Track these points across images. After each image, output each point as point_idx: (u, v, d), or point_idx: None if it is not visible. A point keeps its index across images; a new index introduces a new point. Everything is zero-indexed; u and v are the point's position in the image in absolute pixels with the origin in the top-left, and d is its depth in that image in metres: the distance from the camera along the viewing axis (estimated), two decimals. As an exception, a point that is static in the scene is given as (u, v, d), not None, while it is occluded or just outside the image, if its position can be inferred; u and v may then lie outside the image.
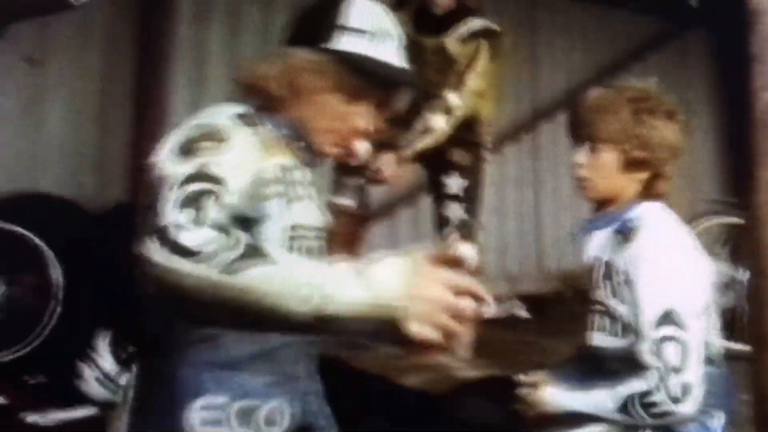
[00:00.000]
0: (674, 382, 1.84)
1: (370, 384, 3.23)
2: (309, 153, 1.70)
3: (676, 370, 1.84)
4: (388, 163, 3.53)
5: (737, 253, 4.33)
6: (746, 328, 2.90)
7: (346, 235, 3.70)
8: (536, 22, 6.20)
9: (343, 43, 1.67)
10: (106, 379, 3.07)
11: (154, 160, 1.51)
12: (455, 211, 3.82)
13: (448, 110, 3.55)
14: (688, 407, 1.85)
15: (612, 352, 1.99)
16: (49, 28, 4.30)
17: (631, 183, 2.02)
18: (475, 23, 3.71)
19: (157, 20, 4.64)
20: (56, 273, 3.77)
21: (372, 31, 1.69)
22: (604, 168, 2.00)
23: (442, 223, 3.87)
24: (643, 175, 2.02)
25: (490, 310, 4.37)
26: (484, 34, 3.70)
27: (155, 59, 4.61)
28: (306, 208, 1.66)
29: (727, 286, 4.11)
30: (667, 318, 1.86)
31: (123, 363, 3.09)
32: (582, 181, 2.05)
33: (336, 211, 3.41)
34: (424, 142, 3.61)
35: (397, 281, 1.27)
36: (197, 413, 1.55)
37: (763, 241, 2.17)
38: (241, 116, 1.61)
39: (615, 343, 1.97)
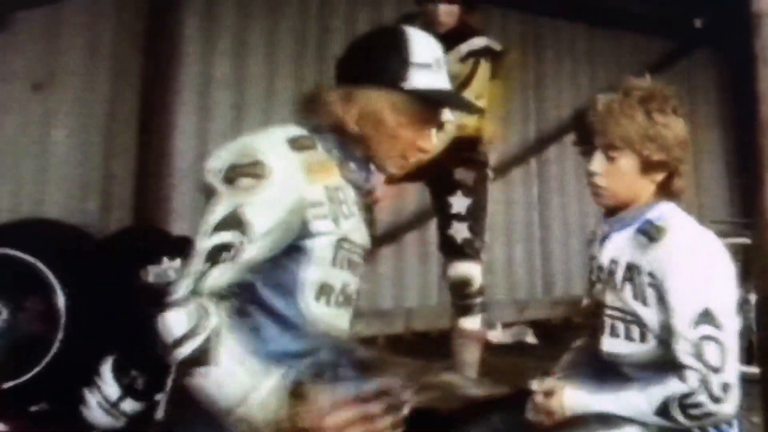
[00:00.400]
0: (716, 382, 1.82)
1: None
2: (359, 174, 1.81)
3: (716, 370, 1.82)
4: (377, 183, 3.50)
5: (746, 274, 4.28)
6: (755, 349, 2.86)
7: None
8: (541, 44, 6.22)
9: (417, 80, 1.77)
10: (110, 405, 3.05)
11: (206, 166, 1.70)
12: (459, 231, 3.78)
13: (439, 126, 3.53)
14: (729, 407, 1.83)
15: (628, 358, 1.96)
16: (57, 51, 4.33)
17: (649, 185, 1.99)
18: (476, 42, 3.69)
19: (163, 46, 4.67)
20: (60, 299, 3.73)
21: (433, 63, 1.81)
22: (623, 174, 1.97)
23: (446, 243, 3.83)
24: (660, 176, 1.99)
25: (498, 335, 4.27)
26: (485, 53, 3.67)
27: (161, 85, 4.64)
28: (353, 225, 1.76)
29: (737, 307, 4.05)
30: (705, 317, 1.84)
31: (127, 389, 3.09)
32: (599, 189, 2.01)
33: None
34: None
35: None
36: None
37: None
38: (295, 140, 1.72)
39: (632, 349, 1.95)
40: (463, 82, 3.60)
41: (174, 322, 1.58)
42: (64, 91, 4.35)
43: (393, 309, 5.34)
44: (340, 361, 1.78)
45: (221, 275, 1.61)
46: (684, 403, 1.83)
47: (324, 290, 1.74)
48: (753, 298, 4.00)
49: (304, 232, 1.68)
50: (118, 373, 3.14)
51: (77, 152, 4.38)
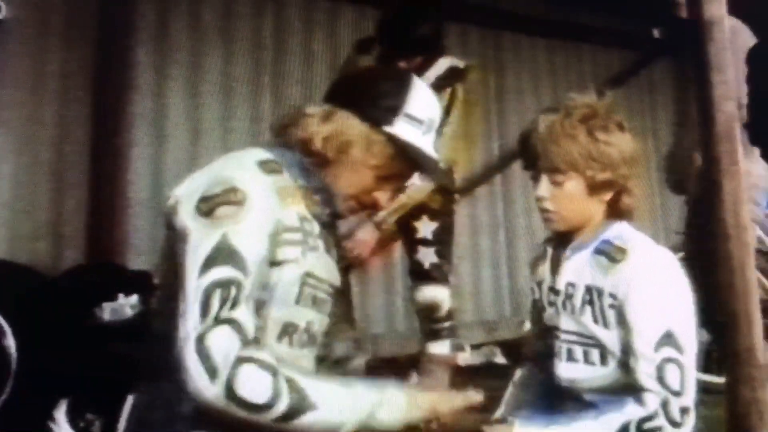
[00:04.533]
0: (675, 406, 1.79)
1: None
2: (323, 208, 1.76)
3: (677, 394, 1.80)
4: (370, 234, 3.44)
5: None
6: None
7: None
8: (502, 60, 6.20)
9: (403, 130, 1.74)
10: (64, 450, 2.94)
11: (171, 202, 1.63)
12: (426, 256, 3.70)
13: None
14: (686, 431, 1.80)
15: (587, 383, 1.90)
16: (1, 84, 4.19)
17: (598, 205, 1.94)
18: (442, 64, 3.63)
19: (114, 76, 4.53)
20: (11, 342, 3.62)
21: (426, 122, 1.77)
22: (571, 197, 1.91)
23: (414, 268, 3.76)
24: (608, 195, 1.94)
25: (467, 357, 4.19)
26: (454, 75, 3.61)
27: (113, 116, 4.51)
28: (318, 259, 1.71)
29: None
30: (667, 340, 1.81)
31: (81, 432, 2.97)
32: (549, 214, 1.95)
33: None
34: (401, 204, 3.50)
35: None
36: None
37: (729, 253, 2.10)
38: (264, 163, 1.67)
39: (592, 373, 1.89)
40: (444, 113, 3.54)
41: (253, 384, 1.52)
42: (9, 125, 4.20)
43: (360, 334, 5.25)
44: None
45: (251, 314, 1.57)
46: (643, 427, 1.79)
47: (287, 330, 1.68)
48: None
49: (278, 256, 1.62)
50: (74, 416, 3.03)
51: (25, 189, 4.23)
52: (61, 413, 2.98)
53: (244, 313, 1.54)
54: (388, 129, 1.73)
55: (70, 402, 2.99)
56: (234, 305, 1.53)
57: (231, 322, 1.52)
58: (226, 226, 1.57)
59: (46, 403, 3.01)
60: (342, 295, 3.80)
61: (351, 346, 3.79)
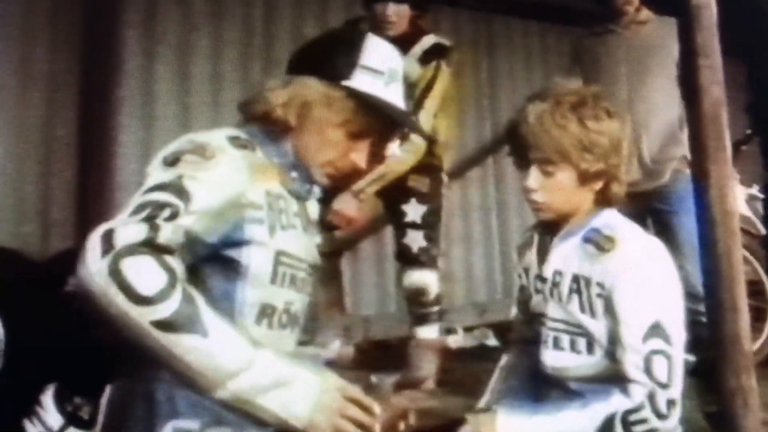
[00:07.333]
0: (662, 398, 1.79)
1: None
2: (300, 184, 1.73)
3: (664, 386, 1.79)
4: (347, 204, 3.42)
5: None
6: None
7: (326, 274, 3.59)
8: (494, 42, 6.14)
9: (361, 82, 1.71)
10: (51, 435, 2.92)
11: (147, 170, 1.60)
12: (415, 240, 3.69)
13: (404, 137, 3.43)
14: (671, 423, 1.81)
15: (573, 371, 1.90)
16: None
17: (588, 194, 1.93)
18: (427, 40, 3.62)
19: (101, 59, 4.48)
20: (-1, 327, 3.60)
21: (386, 72, 1.74)
22: (561, 188, 1.90)
23: (402, 252, 3.75)
24: (599, 184, 1.93)
25: (459, 340, 4.21)
26: (438, 51, 3.60)
27: (101, 100, 4.46)
28: (293, 238, 1.67)
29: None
30: (655, 331, 1.80)
31: (70, 417, 2.96)
32: (538, 204, 1.93)
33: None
34: (380, 174, 3.48)
35: (307, 408, 1.50)
36: None
37: (715, 239, 2.09)
38: (234, 138, 1.64)
39: (578, 362, 1.89)
40: (426, 86, 3.54)
41: (142, 271, 1.40)
42: (-6, 107, 4.15)
43: (351, 317, 5.24)
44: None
45: (173, 233, 1.47)
46: (628, 419, 1.78)
47: (265, 312, 1.63)
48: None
49: (236, 236, 1.57)
50: (61, 400, 3.02)
51: (12, 172, 4.18)
52: (48, 398, 2.97)
53: (167, 230, 1.46)
54: (346, 83, 1.70)
55: (57, 386, 2.98)
56: (161, 219, 1.47)
57: (151, 225, 1.45)
58: (184, 170, 1.53)
59: (35, 387, 3.01)
60: (332, 281, 3.82)
61: (339, 332, 3.80)
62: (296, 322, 1.73)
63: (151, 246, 1.43)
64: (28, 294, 3.59)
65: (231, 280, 1.59)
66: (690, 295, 2.43)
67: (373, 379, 1.97)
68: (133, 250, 1.41)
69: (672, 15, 2.23)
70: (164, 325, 1.40)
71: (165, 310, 1.40)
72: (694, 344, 2.20)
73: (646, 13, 3.77)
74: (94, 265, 1.39)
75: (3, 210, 4.16)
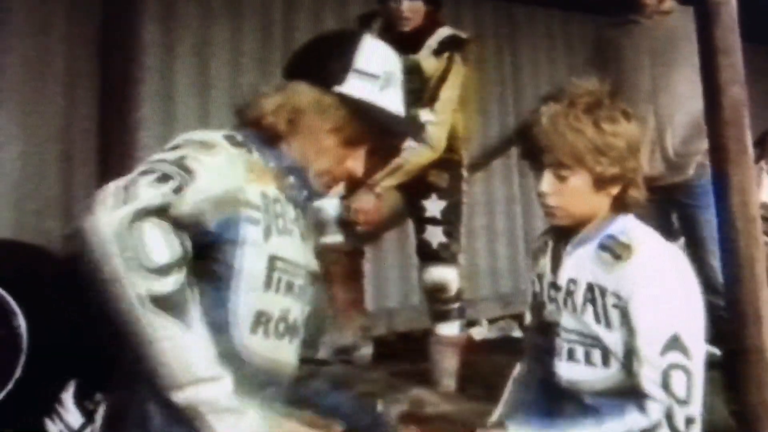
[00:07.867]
0: (680, 416, 1.69)
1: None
2: (298, 190, 1.68)
3: (682, 402, 1.69)
4: (365, 201, 3.39)
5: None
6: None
7: (346, 274, 3.59)
8: (517, 33, 6.10)
9: (355, 87, 1.65)
10: (71, 433, 2.94)
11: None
12: (435, 235, 3.65)
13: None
14: None
15: (588, 385, 1.81)
16: (6, 64, 4.17)
17: (605, 199, 1.84)
18: (442, 32, 3.57)
19: (120, 53, 4.48)
20: (20, 323, 3.63)
21: (382, 76, 1.68)
22: (576, 192, 1.81)
23: (422, 247, 3.71)
24: (616, 189, 1.84)
25: (484, 332, 4.15)
26: (453, 43, 3.55)
27: (120, 96, 4.46)
28: (289, 243, 1.62)
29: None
30: (674, 344, 1.70)
31: (90, 416, 2.98)
32: (552, 209, 1.84)
33: (328, 251, 3.26)
34: (396, 166, 3.44)
35: None
36: None
37: (737, 247, 2.00)
38: (230, 137, 1.60)
39: (593, 375, 1.80)
40: (440, 78, 3.49)
41: (158, 237, 1.36)
42: (15, 106, 4.18)
43: (374, 310, 5.23)
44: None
45: (184, 204, 1.43)
46: None
47: (260, 320, 1.57)
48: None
49: (230, 233, 1.52)
50: (81, 399, 3.03)
51: (33, 169, 4.22)
52: (68, 395, 2.98)
53: (181, 199, 1.43)
54: (338, 89, 1.64)
55: (77, 384, 2.99)
56: (168, 188, 1.42)
57: (163, 193, 1.41)
58: (187, 152, 1.49)
59: (57, 384, 3.02)
60: (353, 282, 3.79)
61: (358, 334, 3.77)
62: (295, 331, 1.67)
63: (166, 215, 1.40)
64: (50, 290, 3.61)
65: (224, 285, 1.53)
66: (713, 290, 2.36)
67: (379, 407, 1.90)
68: (150, 212, 1.38)
69: (692, 5, 2.14)
70: (159, 300, 1.35)
71: (166, 284, 1.36)
72: (718, 338, 2.12)
73: (669, 3, 3.69)
74: (104, 217, 1.34)
75: (26, 206, 4.19)
